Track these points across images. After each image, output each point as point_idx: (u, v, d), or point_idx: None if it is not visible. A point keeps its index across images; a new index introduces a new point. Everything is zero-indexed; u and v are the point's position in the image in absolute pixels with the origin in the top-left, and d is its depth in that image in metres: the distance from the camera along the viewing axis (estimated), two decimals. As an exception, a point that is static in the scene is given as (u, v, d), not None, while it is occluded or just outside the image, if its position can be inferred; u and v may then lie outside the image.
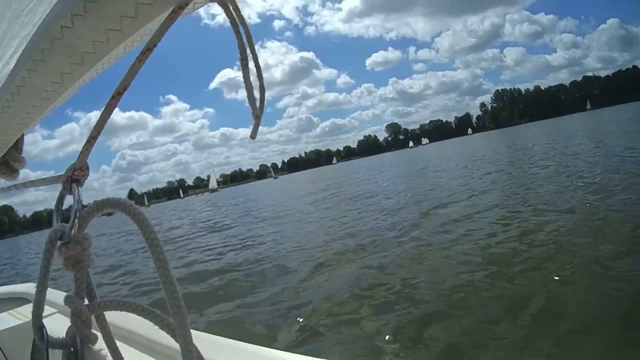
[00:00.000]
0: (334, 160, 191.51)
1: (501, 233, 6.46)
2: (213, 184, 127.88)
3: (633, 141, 15.32)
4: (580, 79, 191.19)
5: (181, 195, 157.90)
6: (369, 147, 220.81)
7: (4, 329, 1.82)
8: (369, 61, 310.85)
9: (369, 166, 58.14)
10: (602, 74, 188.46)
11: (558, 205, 7.44)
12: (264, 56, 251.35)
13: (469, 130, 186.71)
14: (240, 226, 14.91)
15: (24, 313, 2.00)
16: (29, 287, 2.47)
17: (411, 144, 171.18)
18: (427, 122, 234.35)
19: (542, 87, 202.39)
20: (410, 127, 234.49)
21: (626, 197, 6.89)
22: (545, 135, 38.83)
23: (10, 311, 2.08)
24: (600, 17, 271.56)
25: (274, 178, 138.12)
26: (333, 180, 37.51)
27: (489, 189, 11.34)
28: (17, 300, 2.36)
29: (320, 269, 6.38)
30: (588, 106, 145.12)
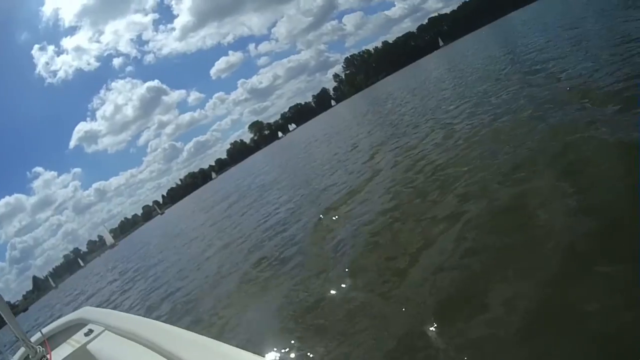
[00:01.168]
0: (213, 175, 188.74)
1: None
2: (109, 239, 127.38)
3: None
4: (426, 21, 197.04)
5: (81, 264, 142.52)
6: (239, 152, 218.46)
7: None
8: (213, 71, 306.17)
9: (244, 170, 60.45)
10: (447, 11, 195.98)
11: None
12: (111, 98, 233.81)
13: (332, 102, 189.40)
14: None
15: (77, 339, 2.63)
16: (84, 312, 3.02)
17: (280, 134, 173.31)
18: (286, 109, 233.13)
19: (390, 42, 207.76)
20: (272, 120, 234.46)
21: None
22: (402, 81, 43.69)
23: (68, 340, 2.75)
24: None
25: (161, 214, 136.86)
26: (215, 195, 37.19)
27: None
28: (74, 328, 2.92)
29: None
30: (441, 44, 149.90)
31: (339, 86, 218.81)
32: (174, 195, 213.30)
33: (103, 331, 2.45)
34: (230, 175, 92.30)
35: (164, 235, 29.62)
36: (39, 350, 2.55)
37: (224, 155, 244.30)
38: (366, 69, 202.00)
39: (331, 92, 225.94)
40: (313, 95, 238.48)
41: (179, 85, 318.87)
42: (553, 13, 28.32)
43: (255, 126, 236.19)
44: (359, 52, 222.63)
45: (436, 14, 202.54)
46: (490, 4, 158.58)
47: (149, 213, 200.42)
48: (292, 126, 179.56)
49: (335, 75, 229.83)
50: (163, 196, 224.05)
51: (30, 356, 2.57)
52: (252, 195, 17.72)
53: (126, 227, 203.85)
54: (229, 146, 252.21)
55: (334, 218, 7.24)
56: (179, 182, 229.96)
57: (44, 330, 3.17)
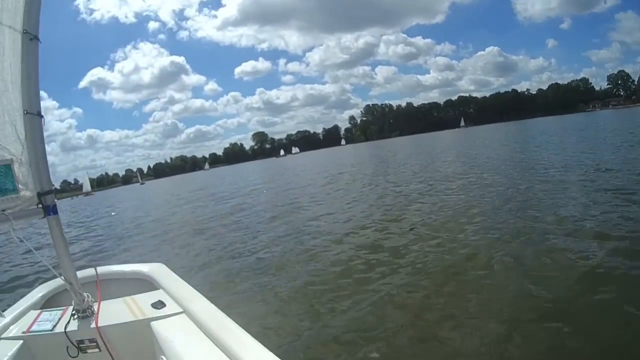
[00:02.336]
0: (206, 166, 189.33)
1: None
2: (87, 187, 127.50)
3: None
4: (456, 98, 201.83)
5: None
6: (234, 154, 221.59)
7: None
8: (238, 70, 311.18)
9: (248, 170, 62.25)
10: (477, 95, 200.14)
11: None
12: (134, 57, 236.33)
13: (342, 141, 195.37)
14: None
15: (141, 306, 2.30)
16: (158, 271, 2.85)
17: (282, 152, 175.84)
18: (294, 132, 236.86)
19: (415, 105, 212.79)
20: (277, 137, 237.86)
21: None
22: (411, 146, 48.80)
23: (128, 300, 2.41)
24: (480, 45, 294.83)
25: (141, 184, 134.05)
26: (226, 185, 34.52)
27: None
28: (137, 284, 2.78)
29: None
30: (462, 123, 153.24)
31: (352, 129, 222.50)
32: (159, 170, 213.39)
33: (180, 313, 2.17)
34: (220, 171, 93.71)
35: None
36: (86, 299, 2.28)
37: (219, 152, 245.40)
38: (382, 122, 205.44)
39: (342, 132, 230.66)
40: (324, 128, 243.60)
41: (201, 70, 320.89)
42: (575, 132, 29.57)
43: (259, 136, 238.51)
44: (381, 104, 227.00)
45: (467, 95, 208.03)
46: (520, 103, 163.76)
47: (129, 178, 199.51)
48: (295, 149, 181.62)
49: (351, 118, 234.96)
50: (149, 167, 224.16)
51: (74, 303, 2.27)
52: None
53: (103, 182, 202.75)
54: (227, 145, 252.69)
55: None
56: (168, 161, 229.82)
57: (100, 270, 2.80)
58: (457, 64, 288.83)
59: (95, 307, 2.30)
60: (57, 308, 2.47)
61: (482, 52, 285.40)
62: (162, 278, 2.72)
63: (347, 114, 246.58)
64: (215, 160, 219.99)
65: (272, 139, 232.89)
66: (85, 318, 2.25)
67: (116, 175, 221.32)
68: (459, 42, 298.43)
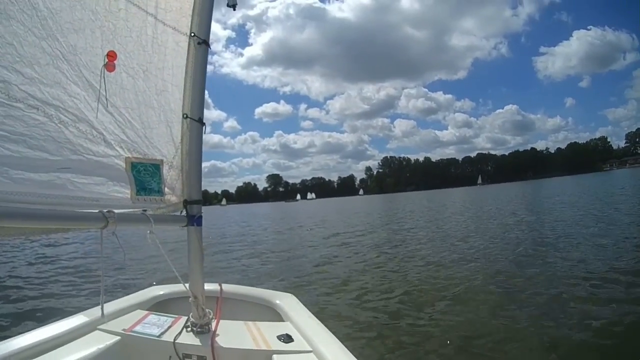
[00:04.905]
0: (223, 202, 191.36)
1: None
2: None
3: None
4: (475, 155, 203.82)
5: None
6: (247, 193, 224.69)
7: None
8: (259, 110, 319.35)
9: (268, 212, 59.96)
10: (496, 153, 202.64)
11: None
12: None
13: (361, 191, 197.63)
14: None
15: (265, 335, 2.16)
16: (287, 302, 2.66)
17: (299, 196, 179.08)
18: (308, 178, 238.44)
19: (433, 160, 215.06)
20: (290, 181, 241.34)
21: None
22: (428, 200, 47.02)
23: (251, 325, 2.29)
24: (499, 102, 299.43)
25: None
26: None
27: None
28: (262, 310, 2.70)
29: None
30: (479, 181, 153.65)
31: (367, 180, 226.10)
32: None
33: (308, 352, 2.00)
34: (236, 208, 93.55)
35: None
36: (207, 315, 2.18)
37: (232, 189, 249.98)
38: (399, 175, 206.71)
39: (357, 182, 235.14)
40: (339, 177, 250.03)
41: (223, 106, 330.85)
42: (590, 193, 29.52)
43: (274, 178, 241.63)
44: (398, 157, 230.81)
45: (486, 152, 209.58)
46: (538, 161, 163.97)
47: None
48: (311, 195, 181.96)
49: (368, 169, 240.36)
50: None
51: (193, 316, 2.18)
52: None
53: None
54: (241, 183, 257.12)
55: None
56: None
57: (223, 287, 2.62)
58: (475, 121, 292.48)
59: (213, 325, 2.19)
60: (168, 315, 2.40)
61: (500, 110, 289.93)
62: (290, 310, 2.57)
63: (362, 165, 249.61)
64: (227, 197, 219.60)
65: (286, 182, 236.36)
66: (201, 334, 2.15)
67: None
68: (479, 99, 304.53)
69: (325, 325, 2.27)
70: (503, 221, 16.81)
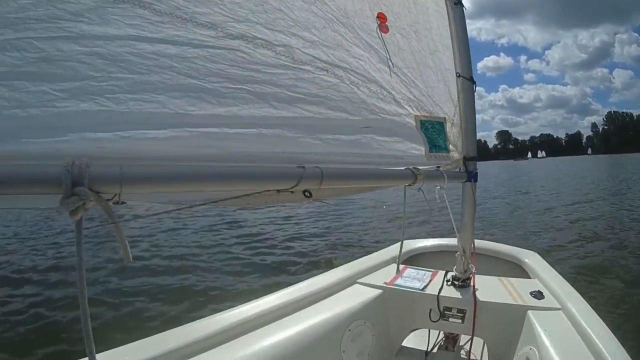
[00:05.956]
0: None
1: None
2: None
3: None
4: None
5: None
6: (477, 151, 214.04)
7: None
8: (480, 65, 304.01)
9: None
10: None
11: None
12: None
13: (589, 150, 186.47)
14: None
15: (511, 286, 2.28)
16: (532, 260, 2.70)
17: (529, 154, 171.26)
18: (537, 135, 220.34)
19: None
20: (519, 138, 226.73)
21: None
22: None
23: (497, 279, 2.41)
24: None
25: None
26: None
27: None
28: (504, 265, 2.81)
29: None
30: None
31: (593, 137, 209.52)
32: None
33: (557, 309, 2.02)
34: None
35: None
36: (469, 269, 2.31)
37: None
38: (622, 134, 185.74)
39: (583, 139, 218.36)
40: (567, 134, 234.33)
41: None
42: None
43: (503, 136, 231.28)
44: (622, 112, 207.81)
45: None
46: None
47: None
48: (541, 153, 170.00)
49: (594, 125, 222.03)
50: None
51: (457, 270, 2.33)
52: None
53: None
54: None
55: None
56: None
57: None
58: None
59: (471, 280, 2.29)
60: (423, 269, 2.55)
61: None
62: (537, 267, 2.59)
63: (587, 120, 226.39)
64: None
65: (515, 139, 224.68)
66: (462, 287, 2.28)
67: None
68: None
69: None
70: None
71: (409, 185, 1.58)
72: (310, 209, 13.03)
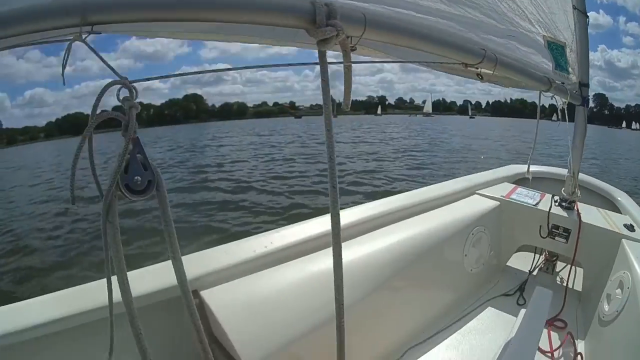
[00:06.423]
0: (554, 117, 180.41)
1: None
2: (428, 108, 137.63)
3: None
4: None
5: (378, 112, 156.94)
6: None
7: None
8: None
9: None
10: None
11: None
12: None
13: None
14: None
15: (610, 219, 2.42)
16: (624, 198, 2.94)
17: (624, 124, 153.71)
18: (632, 104, 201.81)
19: None
20: (615, 104, 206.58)
21: None
22: None
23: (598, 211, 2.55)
24: None
25: (470, 117, 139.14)
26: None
27: None
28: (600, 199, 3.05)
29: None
30: None
31: None
32: (497, 108, 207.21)
33: None
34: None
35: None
36: (575, 192, 2.53)
37: (546, 104, 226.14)
38: None
39: None
40: None
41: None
42: None
43: (600, 99, 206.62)
44: None
45: None
46: None
47: (465, 109, 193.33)
48: (635, 125, 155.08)
49: None
50: (488, 102, 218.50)
51: (564, 192, 2.55)
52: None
53: (439, 107, 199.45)
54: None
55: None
56: (508, 101, 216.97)
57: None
58: None
59: (575, 204, 2.50)
60: (533, 190, 2.79)
61: None
62: (628, 205, 2.83)
63: None
64: (547, 113, 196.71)
65: (611, 105, 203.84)
66: (567, 209, 2.49)
67: (453, 103, 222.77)
68: None
69: None
70: None
71: (544, 90, 1.82)
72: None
